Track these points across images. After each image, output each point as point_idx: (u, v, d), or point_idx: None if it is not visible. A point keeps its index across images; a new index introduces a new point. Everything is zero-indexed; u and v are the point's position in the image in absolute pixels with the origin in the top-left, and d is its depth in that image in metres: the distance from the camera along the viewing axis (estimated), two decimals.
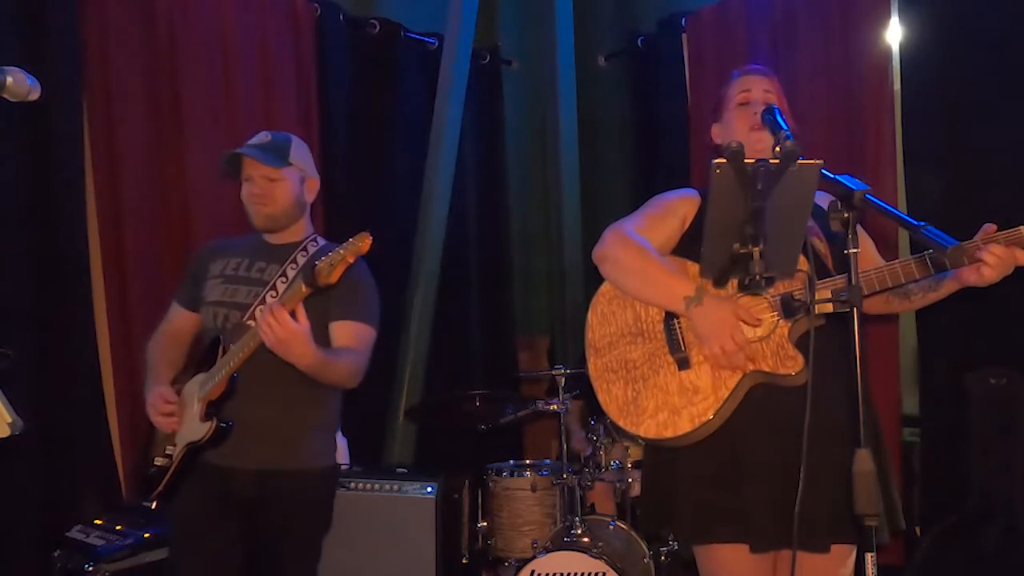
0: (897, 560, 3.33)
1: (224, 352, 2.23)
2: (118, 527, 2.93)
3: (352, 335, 2.29)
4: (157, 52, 3.52)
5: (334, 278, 1.98)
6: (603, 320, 2.03)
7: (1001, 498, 3.00)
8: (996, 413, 3.05)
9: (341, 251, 1.96)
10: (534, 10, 4.94)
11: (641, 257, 1.98)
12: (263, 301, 2.26)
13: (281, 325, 1.99)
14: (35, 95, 1.56)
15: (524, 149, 5.08)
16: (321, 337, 2.19)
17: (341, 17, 4.17)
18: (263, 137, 2.41)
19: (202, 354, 2.34)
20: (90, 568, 2.78)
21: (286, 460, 2.26)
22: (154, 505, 2.29)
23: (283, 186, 2.35)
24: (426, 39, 4.51)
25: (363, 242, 1.97)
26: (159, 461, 2.31)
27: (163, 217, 3.50)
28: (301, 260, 2.35)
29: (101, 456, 3.30)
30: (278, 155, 2.35)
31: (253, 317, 2.24)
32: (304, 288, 2.00)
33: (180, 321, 2.49)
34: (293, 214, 2.39)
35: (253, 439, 2.23)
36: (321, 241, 2.45)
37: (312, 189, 2.45)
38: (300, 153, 2.42)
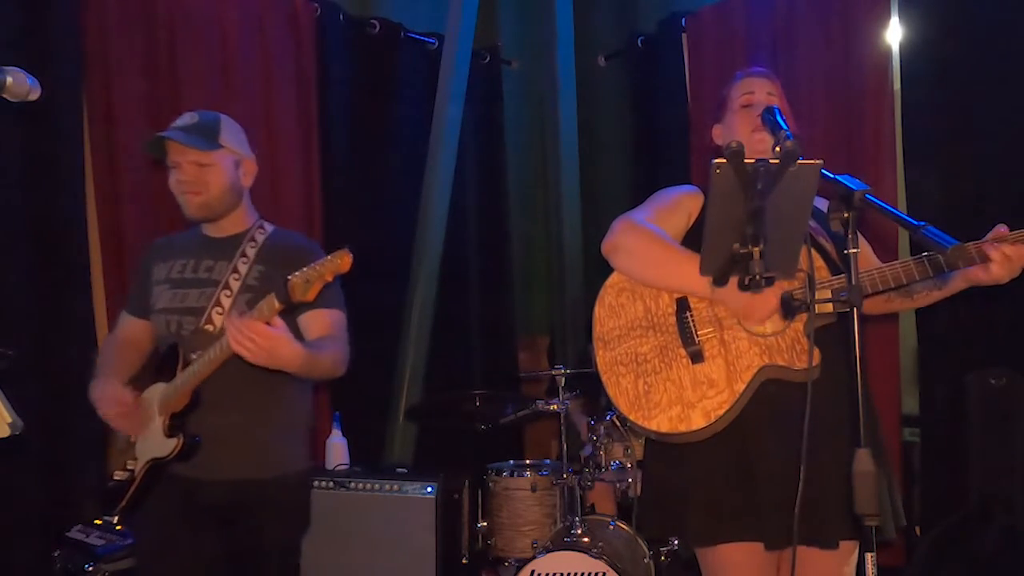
0: (897, 560, 3.33)
1: (184, 360, 2.10)
2: (118, 527, 2.93)
3: (327, 323, 2.17)
4: (157, 52, 3.52)
5: (311, 296, 1.86)
6: (611, 313, 1.99)
7: (1001, 498, 3.00)
8: (996, 413, 3.05)
9: (318, 268, 1.85)
10: (534, 10, 4.94)
11: (658, 244, 1.96)
12: (218, 303, 2.14)
13: (262, 337, 1.87)
14: (35, 95, 1.56)
15: (524, 149, 5.09)
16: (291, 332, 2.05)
17: (341, 17, 4.17)
18: (189, 118, 2.20)
19: (159, 362, 2.19)
20: (90, 568, 2.78)
21: (257, 468, 2.15)
22: (116, 520, 2.22)
23: (215, 171, 2.17)
24: (426, 39, 4.52)
25: (342, 260, 1.85)
26: (119, 475, 2.20)
27: (163, 217, 3.50)
28: (251, 252, 2.20)
29: (101, 456, 3.29)
30: (206, 137, 2.16)
31: (211, 321, 2.13)
32: (277, 304, 1.88)
33: (132, 328, 2.34)
34: (229, 201, 2.21)
35: (220, 448, 2.11)
36: (269, 227, 2.29)
37: (249, 172, 2.26)
38: (232, 133, 2.22)
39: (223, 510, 2.14)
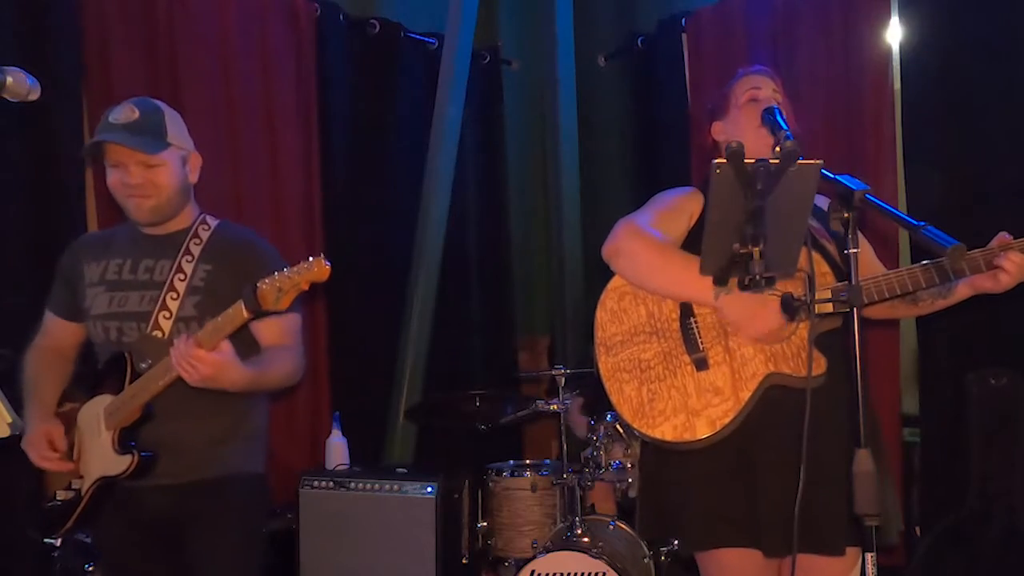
0: (897, 560, 3.33)
1: (132, 369, 1.98)
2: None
3: (280, 330, 2.05)
4: (157, 52, 3.52)
5: (284, 305, 1.75)
6: (614, 317, 1.96)
7: (1001, 498, 3.01)
8: (996, 413, 3.06)
9: (293, 276, 1.74)
10: (534, 10, 4.93)
11: (660, 250, 1.93)
12: (164, 306, 2.00)
13: (204, 364, 1.78)
14: (35, 95, 1.56)
15: (524, 149, 5.08)
16: (244, 337, 1.97)
17: (341, 17, 4.17)
18: (129, 112, 1.98)
19: (102, 372, 2.06)
20: (90, 568, 2.77)
21: (199, 470, 2.03)
22: (59, 542, 2.12)
23: (165, 172, 2.00)
24: (426, 39, 4.51)
25: (319, 268, 1.73)
26: (62, 495, 2.06)
27: None
28: (195, 249, 2.05)
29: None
30: (154, 136, 1.98)
31: (159, 327, 2.00)
32: (245, 314, 1.77)
33: (59, 332, 2.19)
34: (180, 202, 2.06)
35: (168, 455, 2.00)
36: (213, 221, 2.14)
37: (195, 168, 2.10)
38: (177, 127, 2.05)
39: (170, 516, 2.04)
